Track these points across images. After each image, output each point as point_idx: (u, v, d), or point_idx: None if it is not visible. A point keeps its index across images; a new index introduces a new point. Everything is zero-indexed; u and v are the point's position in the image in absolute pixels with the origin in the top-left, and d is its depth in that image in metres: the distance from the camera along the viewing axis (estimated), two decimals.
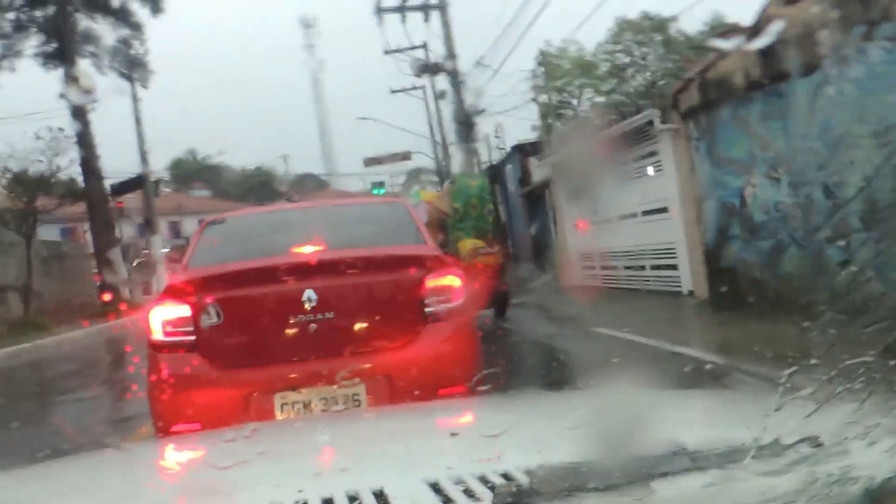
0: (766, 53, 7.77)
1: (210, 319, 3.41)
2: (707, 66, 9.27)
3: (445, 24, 18.58)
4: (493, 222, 11.93)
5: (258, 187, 50.26)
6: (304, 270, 3.42)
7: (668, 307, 10.05)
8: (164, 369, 3.38)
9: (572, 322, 10.05)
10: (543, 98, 23.76)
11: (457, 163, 22.85)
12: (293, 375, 3.31)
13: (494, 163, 26.36)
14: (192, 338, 3.41)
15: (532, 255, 20.28)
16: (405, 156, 29.57)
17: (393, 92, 26.35)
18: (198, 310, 3.41)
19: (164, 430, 3.31)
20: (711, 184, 9.40)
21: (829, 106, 6.97)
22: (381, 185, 29.26)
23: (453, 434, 1.40)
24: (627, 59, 29.92)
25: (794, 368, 0.97)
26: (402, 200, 5.14)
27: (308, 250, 3.63)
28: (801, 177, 7.63)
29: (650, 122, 10.56)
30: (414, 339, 3.49)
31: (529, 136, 27.07)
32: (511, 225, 22.08)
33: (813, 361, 1.01)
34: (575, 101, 28.47)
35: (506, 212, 22.14)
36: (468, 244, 10.74)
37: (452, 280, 3.62)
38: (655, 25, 28.37)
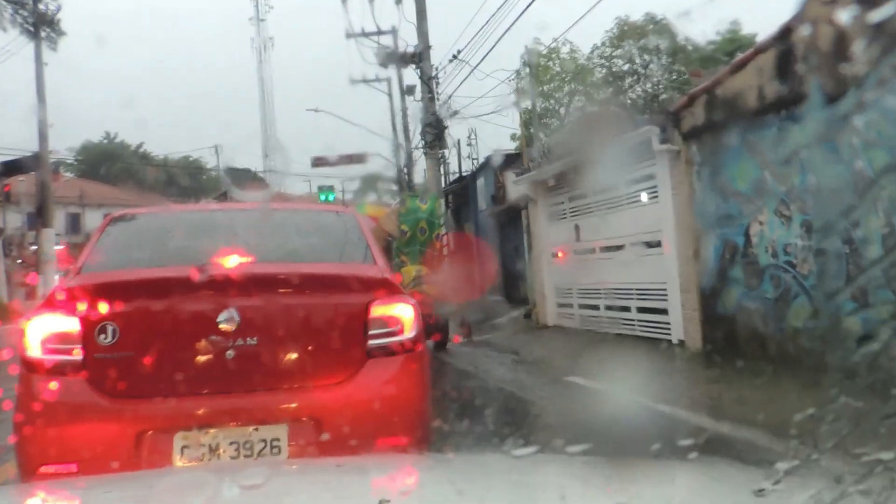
0: (786, 69, 7.82)
1: (103, 337, 3.31)
2: (717, 80, 9.32)
3: (420, 9, 18.56)
4: (440, 251, 12.27)
5: (180, 181, 49.65)
6: (226, 285, 3.36)
7: (653, 357, 10.12)
8: (38, 394, 3.25)
9: (542, 367, 10.15)
10: (527, 104, 23.98)
11: (421, 171, 23.03)
12: (200, 412, 3.25)
13: (464, 174, 26.41)
14: (78, 358, 3.31)
15: (502, 285, 20.27)
16: (360, 158, 29.17)
17: (353, 82, 26.26)
18: (89, 324, 3.31)
19: (30, 472, 3.18)
20: (712, 217, 9.47)
21: (859, 137, 6.95)
22: (330, 189, 29.45)
23: (384, 502, 1.36)
24: (626, 67, 30.04)
25: (794, 462, 0.92)
26: (352, 211, 5.09)
27: (233, 261, 3.56)
28: (819, 219, 7.67)
29: (647, 142, 10.56)
30: (352, 376, 3.48)
31: (507, 146, 27.13)
32: (478, 248, 22.23)
33: (816, 455, 0.97)
34: (562, 110, 28.54)
35: (472, 232, 22.71)
36: (412, 271, 11.13)
37: (403, 309, 3.62)
38: (660, 29, 28.66)
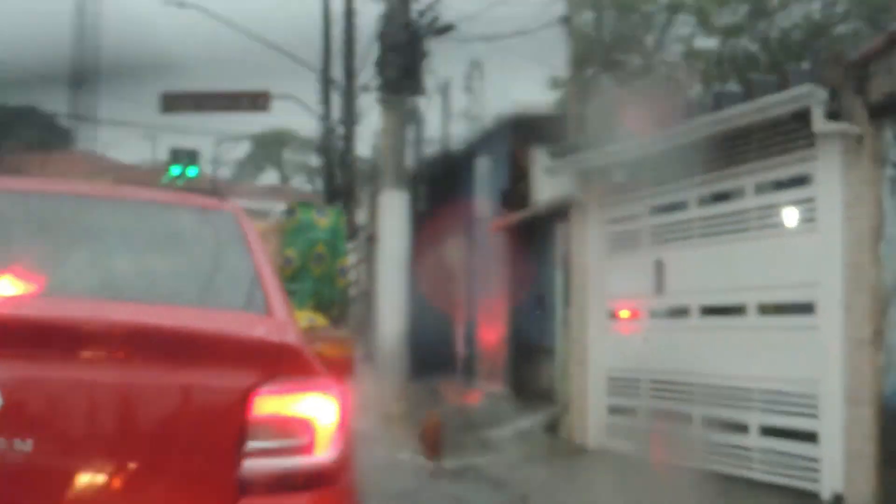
0: None
1: None
2: None
3: None
4: (343, 290, 13.49)
5: None
6: None
7: None
8: None
9: None
10: (585, 21, 22.56)
11: (370, 132, 23.54)
12: None
13: (454, 148, 26.11)
14: None
15: (508, 366, 19.84)
16: (258, 101, 27.50)
17: None
18: None
19: None
20: None
21: None
22: (190, 159, 27.56)
23: None
24: None
25: None
26: (232, 207, 5.08)
27: None
28: None
29: (801, 115, 10.16)
30: None
31: (541, 99, 26.05)
32: (470, 287, 22.25)
33: None
34: (651, 40, 26.89)
35: (460, 258, 22.67)
36: (303, 319, 12.36)
37: (317, 405, 3.62)
38: None
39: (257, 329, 3.87)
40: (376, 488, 10.02)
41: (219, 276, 4.30)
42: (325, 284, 12.74)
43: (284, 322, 4.05)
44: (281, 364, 3.62)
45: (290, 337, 3.87)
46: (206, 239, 4.64)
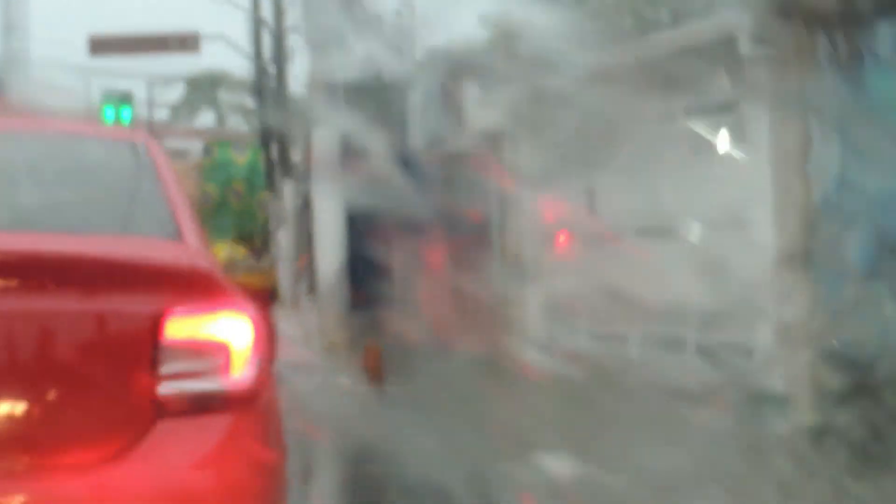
0: None
1: None
2: None
3: None
4: (264, 223, 12.99)
5: None
6: None
7: (728, 433, 9.64)
8: None
9: (513, 447, 9.99)
10: None
11: (300, 71, 23.03)
12: None
13: (386, 83, 25.77)
14: None
15: (450, 290, 19.84)
16: (186, 42, 27.36)
17: None
18: None
19: None
20: (843, 185, 9.52)
21: None
22: (123, 101, 28.01)
23: None
24: None
25: None
26: (143, 137, 5.18)
27: None
28: None
29: (727, 41, 10.25)
30: (124, 452, 3.42)
31: (473, 37, 25.97)
32: (412, 222, 21.66)
33: None
34: None
35: (402, 193, 22.30)
36: (221, 252, 11.63)
37: (230, 326, 3.61)
38: None
39: (167, 254, 3.87)
40: (320, 413, 10.68)
41: (129, 205, 4.22)
42: (244, 218, 13.23)
43: (196, 248, 4.04)
44: (192, 288, 3.64)
45: (201, 261, 3.90)
46: (116, 169, 4.59)
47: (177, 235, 4.02)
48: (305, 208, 25.40)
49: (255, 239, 13.38)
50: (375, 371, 13.57)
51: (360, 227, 21.59)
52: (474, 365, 15.45)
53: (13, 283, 3.44)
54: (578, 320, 14.35)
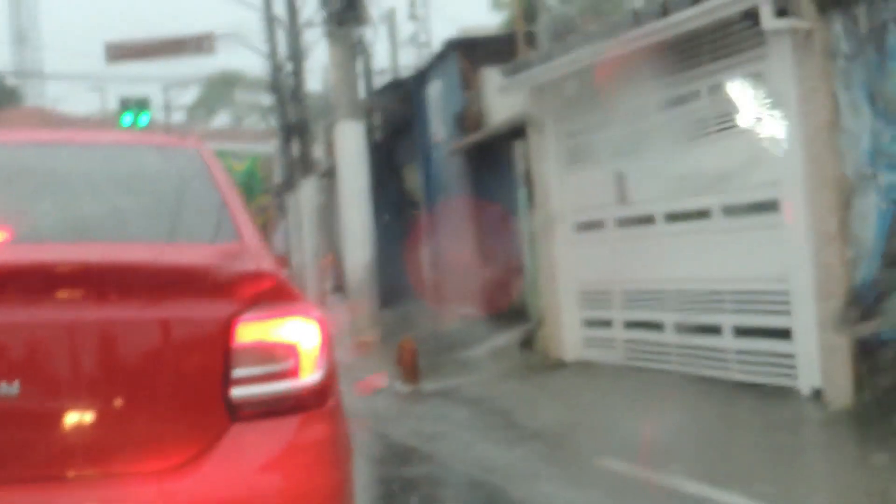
0: None
1: None
2: None
3: None
4: (262, 226, 13.38)
5: None
6: None
7: (766, 421, 9.98)
8: None
9: (553, 442, 10.14)
10: None
11: (318, 68, 23.63)
12: None
13: (404, 75, 26.27)
14: None
15: (480, 283, 19.89)
16: (202, 44, 27.40)
17: None
18: None
19: None
20: (876, 157, 9.52)
21: None
22: (141, 107, 27.87)
23: None
24: None
25: None
26: (194, 143, 5.06)
27: None
28: None
29: (750, 14, 10.24)
30: (200, 456, 3.48)
31: (486, 21, 26.78)
32: (432, 213, 22.40)
33: None
34: None
35: (422, 185, 22.75)
36: None
37: (301, 329, 3.68)
38: None
39: (233, 259, 3.90)
40: (358, 414, 10.05)
41: (191, 212, 4.27)
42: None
43: (258, 251, 4.07)
44: (261, 292, 3.69)
45: (266, 264, 3.94)
46: (173, 176, 4.61)
47: (238, 239, 4.10)
48: (328, 205, 25.32)
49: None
50: (410, 369, 13.52)
51: (387, 222, 21.65)
52: (510, 358, 15.67)
53: (86, 293, 3.51)
54: (612, 306, 14.34)
